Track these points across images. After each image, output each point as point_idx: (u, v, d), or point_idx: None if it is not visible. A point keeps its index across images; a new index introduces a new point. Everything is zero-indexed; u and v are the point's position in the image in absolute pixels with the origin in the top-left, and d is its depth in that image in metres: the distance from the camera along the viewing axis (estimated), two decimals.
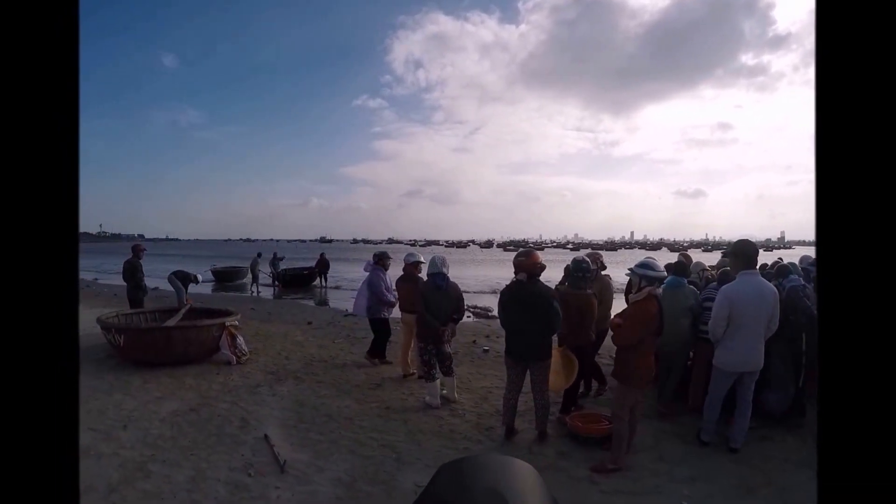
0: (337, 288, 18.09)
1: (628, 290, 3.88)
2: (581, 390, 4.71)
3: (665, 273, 3.54)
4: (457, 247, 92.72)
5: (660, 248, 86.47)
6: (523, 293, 3.75)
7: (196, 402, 4.62)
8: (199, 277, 9.55)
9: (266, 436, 3.84)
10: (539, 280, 3.82)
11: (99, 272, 23.73)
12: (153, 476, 3.22)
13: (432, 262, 4.62)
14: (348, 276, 21.25)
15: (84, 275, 22.33)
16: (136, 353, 5.79)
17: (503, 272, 22.34)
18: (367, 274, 6.01)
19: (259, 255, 17.86)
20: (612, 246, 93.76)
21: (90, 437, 3.81)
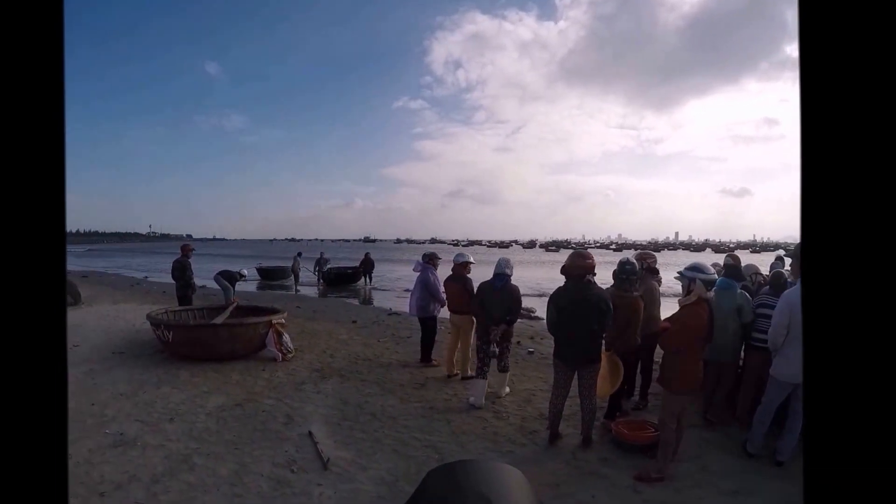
0: (382, 289, 17.86)
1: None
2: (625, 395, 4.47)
3: (716, 276, 3.36)
4: (499, 247, 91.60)
5: (704, 250, 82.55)
6: (578, 295, 3.61)
7: (241, 398, 4.62)
8: (245, 272, 9.77)
9: (310, 432, 3.77)
10: (593, 282, 3.69)
11: (148, 271, 24.90)
12: (197, 468, 3.20)
13: (498, 264, 4.76)
14: (390, 275, 21.36)
15: (134, 273, 23.57)
16: (184, 349, 5.91)
17: (546, 273, 21.91)
18: (418, 274, 5.99)
19: (300, 254, 18.17)
20: (655, 247, 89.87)
21: (137, 427, 3.87)
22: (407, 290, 15.59)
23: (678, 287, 3.64)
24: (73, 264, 27.30)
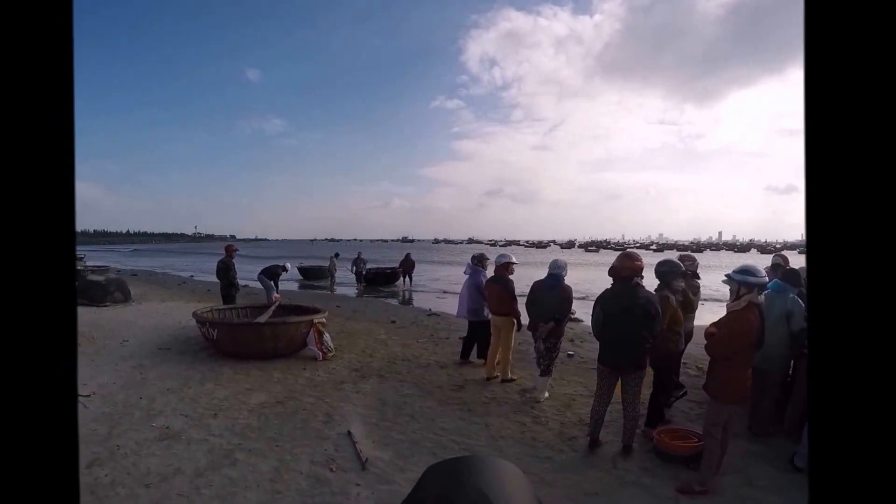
0: (421, 290, 17.58)
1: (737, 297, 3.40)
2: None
3: (766, 279, 3.17)
4: (537, 247, 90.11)
5: (749, 250, 78.24)
6: (626, 298, 3.50)
7: (283, 396, 4.68)
8: (288, 265, 9.95)
9: (349, 432, 3.76)
10: (642, 285, 3.58)
11: (194, 270, 25.95)
12: (239, 464, 3.23)
13: (552, 264, 4.87)
14: (429, 276, 21.37)
15: (181, 273, 24.59)
16: (227, 347, 6.07)
17: (586, 274, 21.26)
18: (468, 276, 5.94)
19: (336, 254, 18.42)
20: (697, 247, 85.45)
21: (182, 422, 3.97)
22: (445, 292, 15.70)
23: (722, 290, 3.47)
24: (121, 264, 28.80)
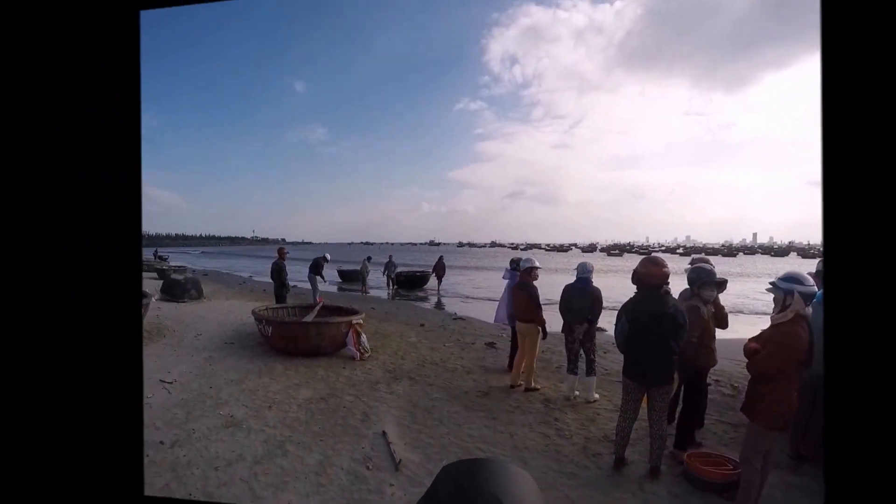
0: (448, 295, 18.14)
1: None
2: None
3: (815, 288, 2.94)
4: (558, 251, 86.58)
5: (788, 254, 71.28)
6: (654, 307, 3.36)
7: (326, 392, 5.19)
8: (328, 256, 11.66)
9: (384, 432, 4.17)
10: (670, 292, 3.46)
11: (252, 272, 27.67)
12: (289, 455, 3.72)
13: (579, 268, 5.18)
14: (455, 279, 21.73)
15: (241, 273, 26.35)
16: (279, 343, 6.70)
17: (609, 280, 20.67)
18: (507, 281, 6.15)
19: (369, 258, 19.14)
20: (729, 251, 77.68)
21: (243, 412, 4.53)
22: (468, 297, 16.16)
23: (756, 302, 3.34)
24: (192, 264, 31.09)
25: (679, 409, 4.02)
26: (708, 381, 4.53)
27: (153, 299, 9.11)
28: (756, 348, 2.89)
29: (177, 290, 11.85)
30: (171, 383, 5.18)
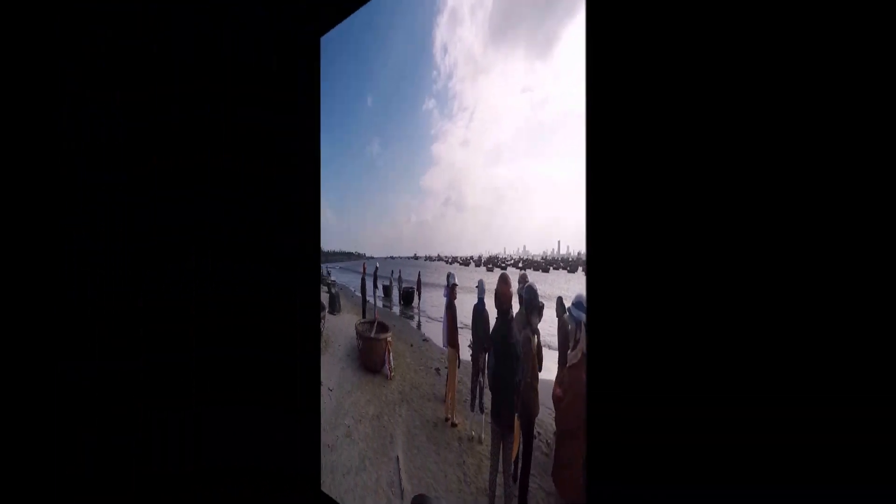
0: (423, 315, 13.60)
1: None
2: None
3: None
4: (461, 263, 30.69)
5: (577, 270, 6.64)
6: (510, 336, 2.90)
7: (378, 410, 5.92)
8: (377, 264, 11.08)
9: (397, 458, 4.89)
10: (514, 318, 3.47)
11: (355, 287, 22.31)
12: (366, 470, 4.12)
13: (480, 286, 4.19)
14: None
15: (351, 287, 21.95)
16: (362, 358, 7.31)
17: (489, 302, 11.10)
18: (445, 300, 6.78)
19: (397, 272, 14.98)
20: (547, 264, 11.99)
21: (352, 423, 5.09)
22: (430, 318, 11.90)
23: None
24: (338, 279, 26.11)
25: (520, 465, 5.60)
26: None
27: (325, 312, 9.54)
28: (560, 396, 2.72)
29: (335, 304, 13.02)
30: (331, 391, 5.89)
